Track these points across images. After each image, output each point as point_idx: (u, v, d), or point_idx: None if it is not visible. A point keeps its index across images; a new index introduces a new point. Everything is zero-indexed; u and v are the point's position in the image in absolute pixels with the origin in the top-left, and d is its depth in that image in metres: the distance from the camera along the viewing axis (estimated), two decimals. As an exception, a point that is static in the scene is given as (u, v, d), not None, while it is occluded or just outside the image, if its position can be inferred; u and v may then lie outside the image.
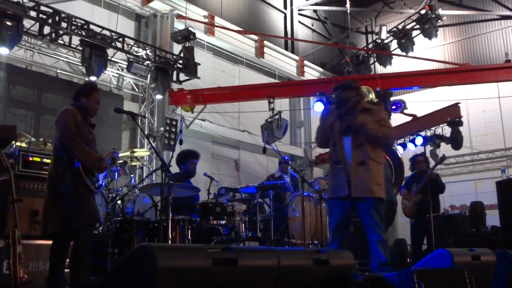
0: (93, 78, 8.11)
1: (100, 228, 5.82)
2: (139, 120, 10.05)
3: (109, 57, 8.65)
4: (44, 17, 7.81)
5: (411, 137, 11.27)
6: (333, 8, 16.54)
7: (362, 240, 4.09)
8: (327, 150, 4.86)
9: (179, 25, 10.68)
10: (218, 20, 12.03)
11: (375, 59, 14.65)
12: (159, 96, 9.94)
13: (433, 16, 13.26)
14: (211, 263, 2.25)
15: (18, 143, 5.26)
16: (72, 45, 8.49)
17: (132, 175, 7.20)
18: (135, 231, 5.12)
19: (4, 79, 8.13)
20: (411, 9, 15.80)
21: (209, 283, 2.28)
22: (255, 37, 13.14)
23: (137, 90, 10.39)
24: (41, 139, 5.86)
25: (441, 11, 13.67)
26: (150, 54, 9.32)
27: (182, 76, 9.97)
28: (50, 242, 3.98)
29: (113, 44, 8.64)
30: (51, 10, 7.84)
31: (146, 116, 10.23)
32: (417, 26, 13.57)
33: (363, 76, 13.02)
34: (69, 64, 9.16)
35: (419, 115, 11.24)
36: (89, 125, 4.20)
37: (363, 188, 3.92)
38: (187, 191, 5.53)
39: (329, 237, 4.24)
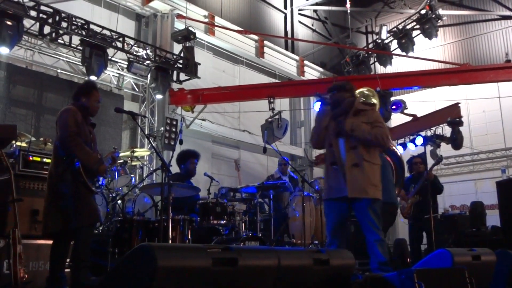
0: (93, 78, 8.11)
1: (100, 228, 5.83)
2: (139, 120, 10.05)
3: (109, 57, 8.65)
4: (44, 16, 7.82)
5: (411, 137, 11.27)
6: (333, 8, 16.53)
7: (362, 240, 4.08)
8: (327, 150, 4.85)
9: (179, 25, 10.68)
10: (218, 20, 12.03)
11: (375, 59, 14.65)
12: (159, 96, 9.94)
13: (433, 16, 13.26)
14: (212, 263, 2.25)
15: (18, 143, 5.26)
16: (72, 45, 8.49)
17: (132, 175, 7.20)
18: (135, 231, 5.11)
19: (5, 78, 8.13)
20: (411, 9, 15.80)
21: (209, 283, 2.28)
22: (255, 37, 13.14)
23: (137, 90, 10.39)
24: (42, 139, 5.86)
25: (441, 11, 13.67)
26: (150, 54, 9.32)
27: (182, 76, 9.97)
28: (51, 242, 3.98)
29: (113, 44, 8.64)
30: (51, 10, 7.84)
31: (146, 116, 10.23)
32: (417, 26, 13.57)
33: (363, 76, 13.03)
34: (69, 63, 9.16)
35: (419, 115, 11.24)
36: (89, 125, 4.20)
37: (358, 189, 3.93)
38: (187, 191, 5.53)
39: (327, 238, 4.25)
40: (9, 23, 7.06)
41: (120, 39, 8.82)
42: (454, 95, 12.96)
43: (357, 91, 5.41)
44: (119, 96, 9.88)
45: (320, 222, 7.06)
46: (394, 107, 9.55)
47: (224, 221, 5.56)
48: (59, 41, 8.36)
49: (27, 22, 7.83)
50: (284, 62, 14.22)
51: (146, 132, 9.93)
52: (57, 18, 7.84)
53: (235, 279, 2.39)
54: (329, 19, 17.13)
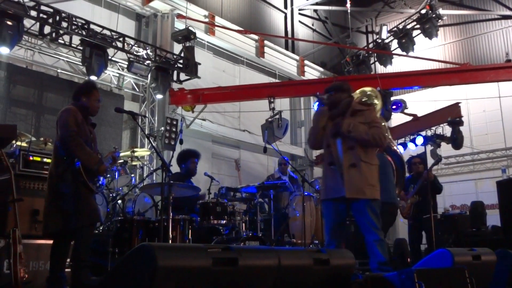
0: (93, 78, 8.12)
1: (101, 228, 5.83)
2: (140, 120, 10.05)
3: (109, 57, 8.66)
4: (45, 16, 7.82)
5: (412, 137, 11.28)
6: (334, 7, 16.53)
7: (362, 240, 4.08)
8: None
9: (180, 25, 10.68)
10: (218, 20, 12.03)
11: (376, 59, 14.65)
12: (159, 96, 9.94)
13: (434, 15, 13.26)
14: (212, 263, 2.25)
15: (18, 143, 5.26)
16: (72, 45, 8.50)
17: (132, 175, 7.20)
18: (136, 231, 5.12)
19: (5, 78, 8.13)
20: (412, 9, 15.79)
21: (209, 282, 2.28)
22: (256, 37, 13.14)
23: (137, 90, 10.39)
24: (42, 139, 5.86)
25: (441, 11, 13.66)
26: (151, 53, 9.32)
27: (183, 76, 9.97)
28: (51, 241, 3.98)
29: (113, 43, 8.64)
30: (51, 10, 7.84)
31: (147, 115, 10.23)
32: (418, 26, 13.57)
33: (363, 76, 13.02)
34: (69, 63, 9.16)
35: (419, 114, 11.24)
36: (89, 125, 4.20)
37: (356, 190, 3.93)
38: (187, 190, 5.53)
39: (325, 238, 4.24)
40: (9, 23, 7.07)
41: (120, 39, 8.82)
42: (454, 94, 12.95)
43: (360, 90, 5.41)
44: (119, 96, 9.88)
45: (320, 222, 7.06)
46: (394, 107, 9.55)
47: (224, 221, 5.56)
48: (59, 41, 8.36)
49: (27, 22, 7.84)
50: (284, 62, 14.22)
51: (146, 132, 9.94)
52: (57, 18, 7.84)
53: (235, 279, 2.39)
54: (329, 19, 17.13)
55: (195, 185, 5.93)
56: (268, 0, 14.89)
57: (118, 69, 9.81)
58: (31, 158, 4.77)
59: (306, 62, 15.07)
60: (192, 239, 5.31)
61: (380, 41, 14.24)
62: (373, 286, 2.89)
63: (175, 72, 9.84)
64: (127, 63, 9.16)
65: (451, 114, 11.04)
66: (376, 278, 2.94)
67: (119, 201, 6.27)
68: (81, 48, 8.29)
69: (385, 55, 13.96)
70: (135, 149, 7.23)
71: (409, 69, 13.80)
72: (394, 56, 14.17)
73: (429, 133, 11.39)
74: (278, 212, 7.40)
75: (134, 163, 7.35)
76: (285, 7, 15.57)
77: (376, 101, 5.20)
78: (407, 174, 7.64)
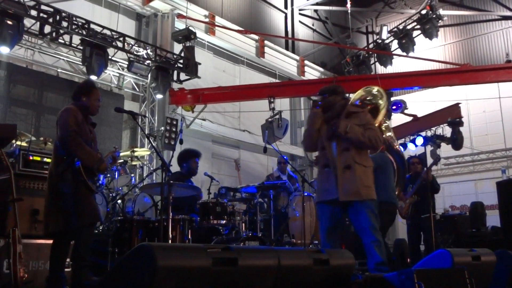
0: (93, 78, 8.12)
1: (101, 228, 5.82)
2: (140, 120, 10.06)
3: (109, 57, 8.66)
4: (45, 16, 7.82)
5: (412, 137, 11.28)
6: (334, 8, 16.53)
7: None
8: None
9: (180, 25, 10.68)
10: (218, 20, 12.03)
11: (376, 59, 14.65)
12: (159, 96, 9.94)
13: (434, 16, 13.26)
14: (211, 263, 2.25)
15: (18, 142, 5.26)
16: (72, 45, 8.50)
17: (132, 175, 7.21)
18: (136, 231, 5.12)
19: (5, 78, 8.13)
20: (412, 9, 15.79)
21: (209, 282, 2.28)
22: (256, 37, 13.14)
23: (137, 90, 10.39)
24: (42, 138, 5.86)
25: (441, 11, 13.67)
26: (151, 53, 9.33)
27: (183, 76, 9.97)
28: (51, 241, 3.98)
29: (113, 43, 8.64)
30: (51, 9, 7.84)
31: (147, 115, 10.23)
32: (418, 26, 13.57)
33: (363, 76, 13.03)
34: (69, 63, 9.17)
35: (419, 115, 11.23)
36: (90, 124, 4.20)
37: (351, 193, 3.92)
38: (187, 190, 5.53)
39: (321, 241, 4.24)
40: (9, 22, 7.07)
41: (121, 38, 8.82)
42: (454, 95, 12.95)
43: (366, 89, 5.39)
44: (120, 95, 9.88)
45: (320, 222, 7.05)
46: (394, 107, 9.56)
47: (224, 221, 5.56)
48: (59, 40, 8.36)
49: (27, 22, 7.84)
50: (284, 62, 14.22)
51: (146, 132, 9.94)
52: (58, 17, 7.84)
53: (235, 279, 2.39)
54: (329, 19, 17.13)
55: (195, 185, 5.93)
56: (269, 0, 14.89)
57: (118, 68, 9.82)
58: (31, 158, 4.76)
59: (306, 62, 15.07)
60: (192, 239, 5.31)
61: (380, 41, 14.24)
62: (373, 286, 2.89)
63: (175, 72, 9.84)
64: (127, 63, 9.17)
65: (451, 115, 11.04)
66: (376, 278, 2.94)
67: (119, 201, 6.27)
68: (81, 47, 8.29)
69: (385, 56, 13.95)
70: (135, 149, 7.23)
71: (409, 70, 13.81)
72: (394, 56, 14.17)
73: (429, 133, 11.39)
74: (278, 212, 7.41)
75: (134, 163, 7.36)
76: (285, 7, 15.57)
77: (380, 102, 5.19)
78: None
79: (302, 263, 2.79)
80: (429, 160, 8.22)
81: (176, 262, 2.16)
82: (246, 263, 2.41)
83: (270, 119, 9.79)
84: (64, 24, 7.92)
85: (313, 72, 15.28)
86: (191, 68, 9.72)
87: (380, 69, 15.65)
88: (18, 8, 7.22)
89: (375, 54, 14.43)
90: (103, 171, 4.14)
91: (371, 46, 16.05)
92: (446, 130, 11.38)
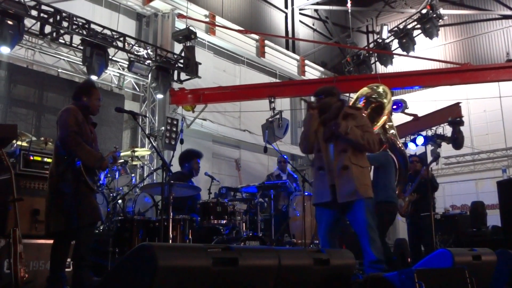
0: (94, 78, 8.13)
1: (101, 228, 5.83)
2: (140, 120, 10.06)
3: (110, 57, 8.66)
4: (45, 16, 7.82)
5: (412, 137, 11.27)
6: (334, 7, 16.53)
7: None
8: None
9: (180, 25, 10.69)
10: (219, 20, 12.03)
11: (376, 59, 14.66)
12: (160, 96, 9.95)
13: (434, 15, 13.27)
14: (212, 263, 2.25)
15: (19, 142, 5.26)
16: (73, 44, 8.50)
17: (133, 175, 7.20)
18: (136, 231, 5.12)
19: (5, 78, 8.14)
20: (412, 9, 15.79)
21: (209, 282, 2.28)
22: (256, 37, 13.15)
23: (138, 90, 10.39)
24: (42, 138, 5.86)
25: (442, 11, 13.67)
26: (151, 53, 9.33)
27: (183, 76, 9.98)
28: (51, 241, 3.98)
29: (114, 43, 8.65)
30: (52, 10, 7.85)
31: (147, 115, 10.24)
32: (418, 26, 13.58)
33: (364, 76, 13.03)
34: (70, 63, 9.17)
35: (420, 114, 11.22)
36: (90, 124, 4.20)
37: (349, 193, 3.93)
38: (188, 190, 5.53)
39: (320, 243, 4.25)
40: (10, 22, 7.07)
41: (121, 38, 8.82)
42: (455, 94, 12.95)
43: (371, 87, 5.39)
44: (120, 95, 9.89)
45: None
46: (395, 106, 9.54)
47: (224, 221, 5.56)
48: (60, 40, 8.36)
49: (28, 22, 7.84)
50: (285, 62, 14.22)
51: (147, 132, 9.95)
52: (58, 17, 7.85)
53: (235, 279, 2.39)
54: (330, 18, 17.13)
55: (195, 185, 5.93)
56: (269, 0, 14.89)
57: (119, 68, 9.82)
58: (31, 158, 4.76)
59: (306, 62, 15.07)
60: (192, 239, 5.31)
61: (380, 41, 14.25)
62: (373, 286, 2.89)
63: (176, 72, 9.85)
64: (127, 62, 9.17)
65: (452, 114, 11.04)
66: (376, 278, 2.94)
67: (120, 201, 6.27)
68: (81, 47, 8.30)
69: (385, 55, 13.96)
70: (136, 149, 7.23)
71: (409, 69, 13.80)
72: (394, 56, 14.17)
73: (429, 133, 11.38)
74: (278, 212, 7.41)
75: (134, 162, 7.36)
76: (286, 6, 15.57)
77: (385, 101, 5.18)
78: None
79: (303, 263, 2.79)
80: (430, 160, 8.21)
81: (176, 262, 2.16)
82: (247, 263, 2.41)
83: (270, 119, 9.79)
84: (65, 24, 7.92)
85: (313, 72, 15.28)
86: (192, 68, 9.72)
87: (381, 69, 15.65)
88: (18, 8, 7.23)
89: (376, 54, 14.43)
90: (105, 168, 4.15)
91: (371, 45, 16.05)
92: (446, 130, 11.38)
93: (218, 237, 5.56)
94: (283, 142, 11.79)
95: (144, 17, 10.86)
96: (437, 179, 7.71)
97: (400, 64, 15.70)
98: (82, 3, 9.55)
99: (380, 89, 5.22)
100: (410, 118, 11.17)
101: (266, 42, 13.44)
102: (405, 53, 13.61)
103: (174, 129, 9.27)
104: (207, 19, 11.66)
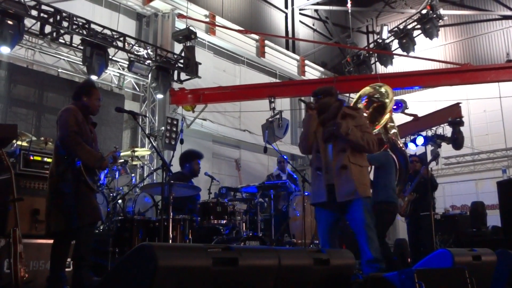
0: (94, 77, 8.13)
1: (101, 227, 5.83)
2: (140, 120, 10.06)
3: (110, 56, 8.67)
4: (45, 16, 7.82)
5: (412, 137, 11.27)
6: (334, 7, 16.53)
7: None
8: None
9: (180, 25, 10.69)
10: (219, 20, 12.03)
11: (376, 59, 14.66)
12: (160, 96, 9.95)
13: (434, 16, 13.27)
14: (212, 263, 2.25)
15: (19, 142, 5.27)
16: (73, 44, 8.51)
17: (133, 175, 7.21)
18: (136, 231, 5.12)
19: (5, 78, 8.14)
20: (412, 9, 15.80)
21: (209, 282, 2.28)
22: (256, 37, 13.15)
23: (138, 90, 10.39)
24: (42, 138, 5.87)
25: (442, 11, 13.67)
26: (151, 53, 9.33)
27: (183, 76, 9.98)
28: (51, 241, 3.98)
29: (114, 43, 8.65)
30: (52, 9, 7.85)
31: (147, 115, 10.24)
32: (418, 26, 13.59)
33: (364, 76, 13.03)
34: (70, 63, 9.17)
35: (420, 115, 11.23)
36: (90, 124, 4.20)
37: (348, 192, 3.94)
38: (188, 190, 5.53)
39: (320, 242, 4.26)
40: (10, 22, 7.07)
41: (121, 38, 8.82)
42: (455, 95, 12.95)
43: (374, 86, 5.39)
44: (120, 95, 9.89)
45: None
46: (395, 107, 9.54)
47: (224, 221, 5.56)
48: (60, 40, 8.37)
49: (28, 22, 7.84)
50: (285, 62, 14.22)
51: (147, 132, 9.96)
52: (58, 17, 7.85)
53: (235, 279, 2.39)
54: (330, 18, 17.13)
55: (195, 185, 5.93)
56: (269, 0, 14.89)
57: (119, 68, 9.82)
58: (31, 158, 4.76)
59: (306, 62, 15.07)
60: (192, 239, 5.31)
61: (380, 41, 14.25)
62: (373, 286, 2.89)
63: (176, 72, 9.85)
64: (127, 62, 9.17)
65: (452, 114, 11.03)
66: (376, 278, 2.94)
67: (120, 201, 6.27)
68: (81, 47, 8.30)
69: (385, 55, 13.96)
70: (136, 149, 7.24)
71: (409, 69, 13.81)
72: (394, 56, 14.17)
73: (429, 133, 11.38)
74: (278, 211, 7.41)
75: (134, 162, 7.37)
76: (286, 7, 15.57)
77: (387, 101, 5.17)
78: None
79: (303, 263, 2.79)
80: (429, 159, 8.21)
81: (176, 262, 2.16)
82: (247, 263, 2.41)
83: (270, 119, 9.78)
84: (65, 24, 7.92)
85: (313, 72, 15.28)
86: (192, 68, 9.72)
87: (381, 69, 15.66)
88: (18, 8, 7.23)
89: (376, 54, 14.44)
90: (104, 168, 4.15)
91: (371, 46, 16.05)
92: (446, 130, 11.38)
93: (218, 237, 5.56)
94: (283, 142, 11.79)
95: (144, 17, 10.86)
96: (437, 179, 7.71)
97: (400, 64, 15.70)
98: (82, 3, 9.55)
99: (383, 89, 5.22)
100: (410, 118, 11.18)
101: (266, 42, 13.45)
102: (405, 53, 13.62)
103: (174, 129, 9.27)
104: (207, 19, 11.67)
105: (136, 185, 7.02)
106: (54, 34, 8.23)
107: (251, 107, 11.96)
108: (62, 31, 8.14)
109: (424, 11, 13.38)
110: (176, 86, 10.17)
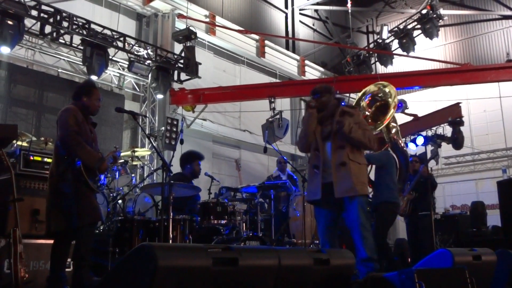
0: (94, 78, 8.13)
1: (101, 228, 5.83)
2: (140, 120, 10.06)
3: (110, 57, 8.66)
4: (46, 16, 7.83)
5: (412, 137, 11.26)
6: (334, 7, 16.53)
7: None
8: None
9: (180, 25, 10.69)
10: (219, 20, 12.03)
11: (376, 59, 14.66)
12: (160, 96, 9.95)
13: (434, 16, 13.27)
14: (212, 263, 2.25)
15: (19, 142, 5.27)
16: (73, 45, 8.51)
17: (133, 175, 7.20)
18: (136, 231, 5.12)
19: (5, 78, 8.14)
20: (412, 9, 15.80)
21: (209, 282, 2.28)
22: (256, 37, 13.15)
23: (138, 90, 10.39)
24: (42, 138, 5.86)
25: (442, 11, 13.67)
26: (151, 53, 9.33)
27: (183, 76, 9.98)
28: (51, 241, 3.98)
29: (114, 43, 8.65)
30: (52, 10, 7.85)
31: (147, 115, 10.24)
32: (418, 26, 13.58)
33: (364, 76, 13.03)
34: (70, 63, 9.17)
35: (420, 115, 11.23)
36: (90, 124, 4.20)
37: (346, 189, 3.95)
38: (188, 190, 5.53)
39: (320, 241, 4.27)
40: (10, 22, 7.07)
41: (121, 38, 8.82)
42: (455, 95, 12.94)
43: (378, 85, 5.39)
44: (120, 95, 9.89)
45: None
46: (395, 107, 9.53)
47: (224, 221, 5.56)
48: (60, 40, 8.37)
49: (28, 22, 7.84)
50: (285, 62, 14.22)
51: (147, 132, 9.95)
52: (58, 17, 7.85)
53: (235, 279, 2.39)
54: (330, 18, 17.13)
55: (195, 185, 5.93)
56: (269, 0, 14.89)
57: (119, 68, 9.82)
58: (31, 158, 4.76)
59: (306, 62, 15.06)
60: (193, 239, 5.31)
61: (380, 41, 14.25)
62: (373, 286, 2.89)
63: (176, 72, 9.85)
64: (127, 63, 9.17)
65: (452, 114, 11.03)
66: (376, 278, 2.95)
67: (120, 201, 6.27)
68: (81, 47, 8.30)
69: (385, 55, 13.96)
70: (136, 149, 7.24)
71: (409, 69, 13.81)
72: (394, 56, 14.17)
73: (429, 133, 11.38)
74: (278, 212, 7.40)
75: (134, 163, 7.36)
76: (286, 7, 15.57)
77: (390, 100, 5.18)
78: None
79: (303, 263, 2.79)
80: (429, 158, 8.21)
81: (176, 262, 2.16)
82: (247, 263, 2.41)
83: (270, 119, 9.78)
84: (65, 24, 7.92)
85: (313, 72, 15.28)
86: (192, 68, 9.72)
87: (381, 69, 15.65)
88: (18, 8, 7.23)
89: (376, 54, 14.43)
90: (104, 171, 4.15)
91: (371, 45, 16.05)
92: (446, 130, 11.37)
93: (218, 237, 5.57)
94: (283, 142, 11.79)
95: (144, 17, 10.86)
96: (437, 179, 7.72)
97: (400, 64, 15.70)
98: (82, 3, 9.55)
99: (387, 89, 5.23)
100: (410, 118, 11.18)
101: (266, 42, 13.44)
102: (405, 53, 13.61)
103: (174, 129, 9.27)
104: (207, 19, 11.66)
105: (136, 185, 7.02)
106: (54, 34, 8.23)
107: (251, 107, 11.96)
108: (62, 31, 8.14)
109: (424, 11, 13.37)
110: (176, 86, 10.17)
